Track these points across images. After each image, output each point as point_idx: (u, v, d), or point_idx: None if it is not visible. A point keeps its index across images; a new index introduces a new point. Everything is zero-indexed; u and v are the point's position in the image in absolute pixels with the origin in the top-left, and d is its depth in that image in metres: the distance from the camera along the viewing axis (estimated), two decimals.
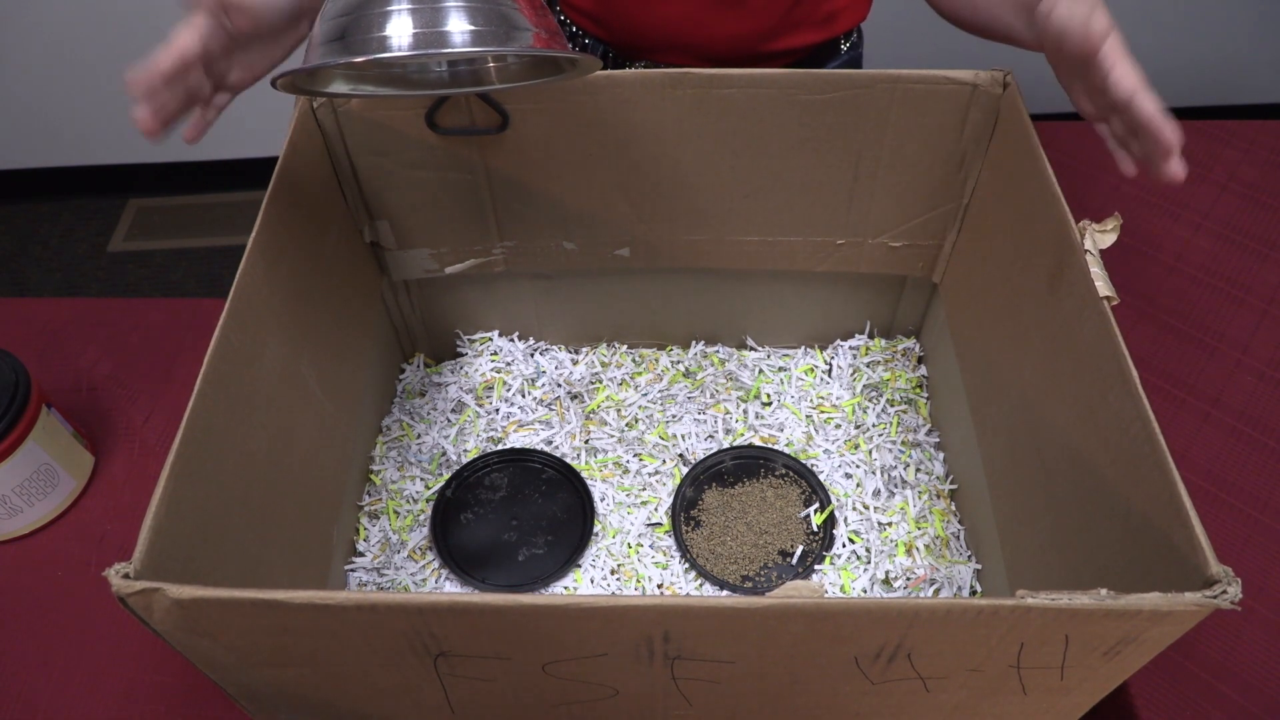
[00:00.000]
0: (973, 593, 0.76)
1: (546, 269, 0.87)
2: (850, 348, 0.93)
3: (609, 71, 0.71)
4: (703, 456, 0.85)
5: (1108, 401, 0.53)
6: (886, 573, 0.77)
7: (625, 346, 0.95)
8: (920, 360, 0.92)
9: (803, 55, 0.89)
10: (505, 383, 0.91)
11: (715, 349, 0.95)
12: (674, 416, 0.88)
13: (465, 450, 0.86)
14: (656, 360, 0.94)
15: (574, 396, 0.91)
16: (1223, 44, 1.94)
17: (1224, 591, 0.41)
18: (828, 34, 0.88)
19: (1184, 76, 2.00)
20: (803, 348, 0.94)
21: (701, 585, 0.78)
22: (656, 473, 0.85)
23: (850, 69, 0.92)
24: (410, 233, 0.83)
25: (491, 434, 0.88)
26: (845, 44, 0.91)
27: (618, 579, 0.78)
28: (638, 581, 0.78)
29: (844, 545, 0.79)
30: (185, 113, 0.57)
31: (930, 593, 0.76)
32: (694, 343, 0.95)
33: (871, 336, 0.94)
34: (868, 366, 0.91)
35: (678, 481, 0.83)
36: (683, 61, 0.87)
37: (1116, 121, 0.61)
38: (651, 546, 0.80)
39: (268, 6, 0.58)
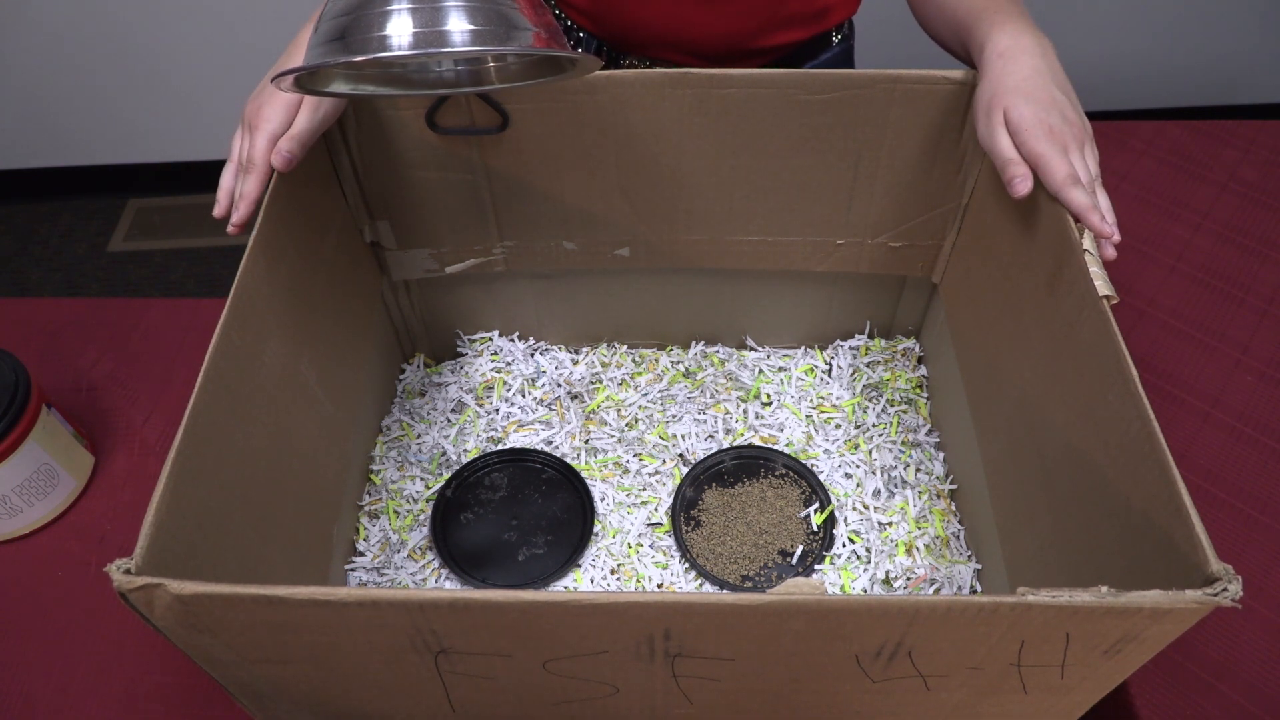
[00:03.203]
0: (973, 592, 0.76)
1: (546, 269, 0.87)
2: (850, 348, 0.93)
3: (609, 71, 0.71)
4: (703, 456, 0.85)
5: (1108, 401, 0.53)
6: (886, 573, 0.77)
7: (625, 346, 0.95)
8: (920, 360, 0.92)
9: (794, 49, 0.90)
10: (505, 383, 0.91)
11: (715, 349, 0.95)
12: (674, 416, 0.88)
13: (465, 450, 0.86)
14: (656, 360, 0.94)
15: (574, 396, 0.91)
16: (1223, 44, 1.94)
17: (1225, 589, 0.41)
18: (819, 29, 0.88)
19: (1184, 76, 2.00)
20: (803, 348, 0.94)
21: (701, 585, 0.78)
22: (656, 473, 0.85)
23: (842, 61, 0.92)
24: (410, 233, 0.83)
25: (491, 434, 0.88)
26: (836, 36, 0.92)
27: (618, 579, 0.78)
28: (638, 581, 0.78)
29: (844, 545, 0.79)
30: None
31: (930, 592, 0.76)
32: (694, 343, 0.95)
33: (871, 336, 0.94)
34: (868, 366, 0.91)
35: (678, 481, 0.83)
36: (674, 58, 0.87)
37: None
38: (651, 546, 0.80)
39: (314, 132, 0.65)
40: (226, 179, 0.64)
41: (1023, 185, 0.60)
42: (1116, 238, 0.58)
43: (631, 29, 0.86)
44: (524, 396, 0.91)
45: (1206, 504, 0.77)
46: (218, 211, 0.64)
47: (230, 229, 0.63)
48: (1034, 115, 0.61)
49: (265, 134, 0.63)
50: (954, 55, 0.75)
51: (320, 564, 0.72)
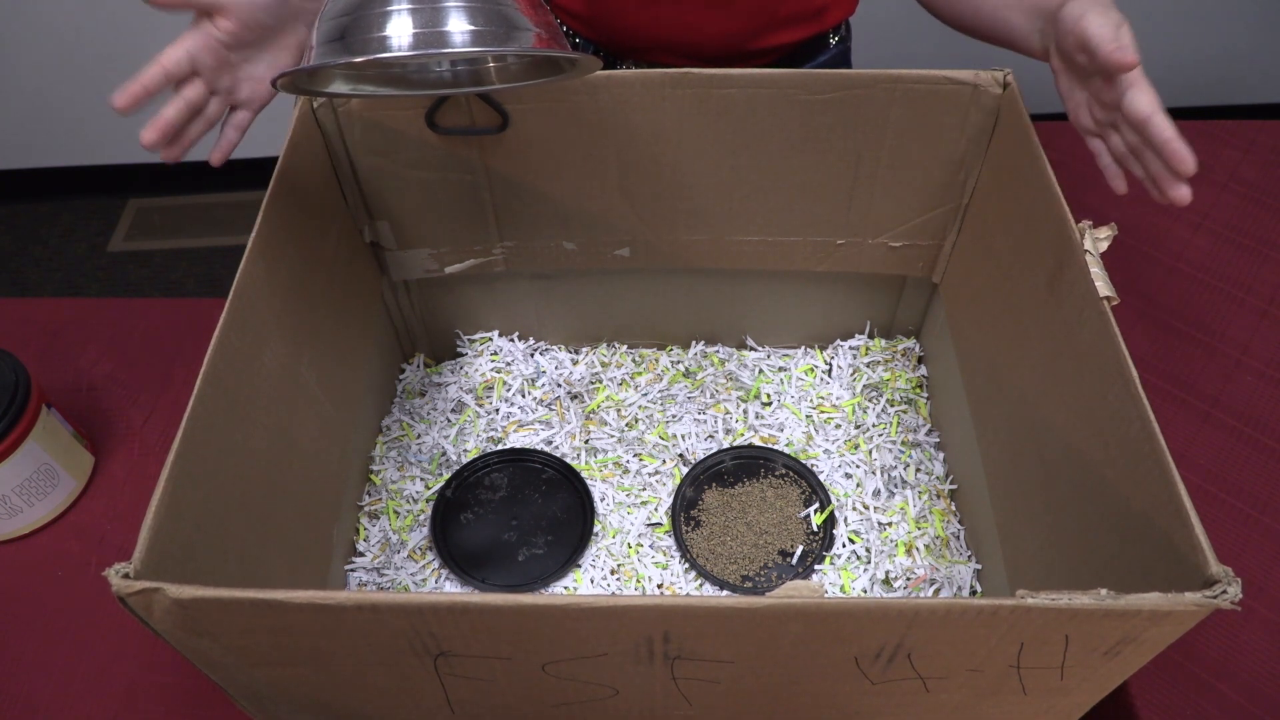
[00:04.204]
0: (973, 593, 0.76)
1: (546, 269, 0.87)
2: (850, 348, 0.93)
3: (609, 71, 0.71)
4: (703, 456, 0.85)
5: (1108, 401, 0.53)
6: (886, 573, 0.77)
7: (625, 346, 0.95)
8: (920, 360, 0.92)
9: (792, 50, 0.89)
10: (505, 383, 0.91)
11: (715, 349, 0.95)
12: (674, 416, 0.88)
13: (465, 450, 0.86)
14: (656, 360, 0.94)
15: (574, 396, 0.91)
16: (1223, 44, 1.94)
17: (1224, 591, 0.41)
18: (817, 29, 0.88)
19: (1184, 76, 2.00)
20: (803, 348, 0.94)
21: (701, 585, 0.78)
22: (656, 473, 0.85)
23: (839, 64, 0.92)
24: (410, 233, 0.83)
25: (491, 434, 0.88)
26: (834, 38, 0.92)
27: (618, 579, 0.78)
28: (638, 581, 0.78)
29: (844, 545, 0.79)
30: (194, 129, 0.59)
31: (930, 593, 0.76)
32: (694, 343, 0.95)
33: (871, 336, 0.94)
34: (868, 366, 0.91)
35: (678, 481, 0.83)
36: (671, 61, 0.87)
37: (1118, 139, 0.62)
38: (651, 546, 0.80)
39: (251, 4, 0.59)
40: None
41: (1128, 54, 0.58)
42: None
43: (628, 34, 0.85)
44: (524, 396, 0.91)
45: (1206, 504, 0.77)
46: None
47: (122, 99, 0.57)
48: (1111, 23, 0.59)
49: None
50: (1002, 41, 0.73)
51: (320, 565, 0.72)
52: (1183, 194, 0.58)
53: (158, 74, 0.57)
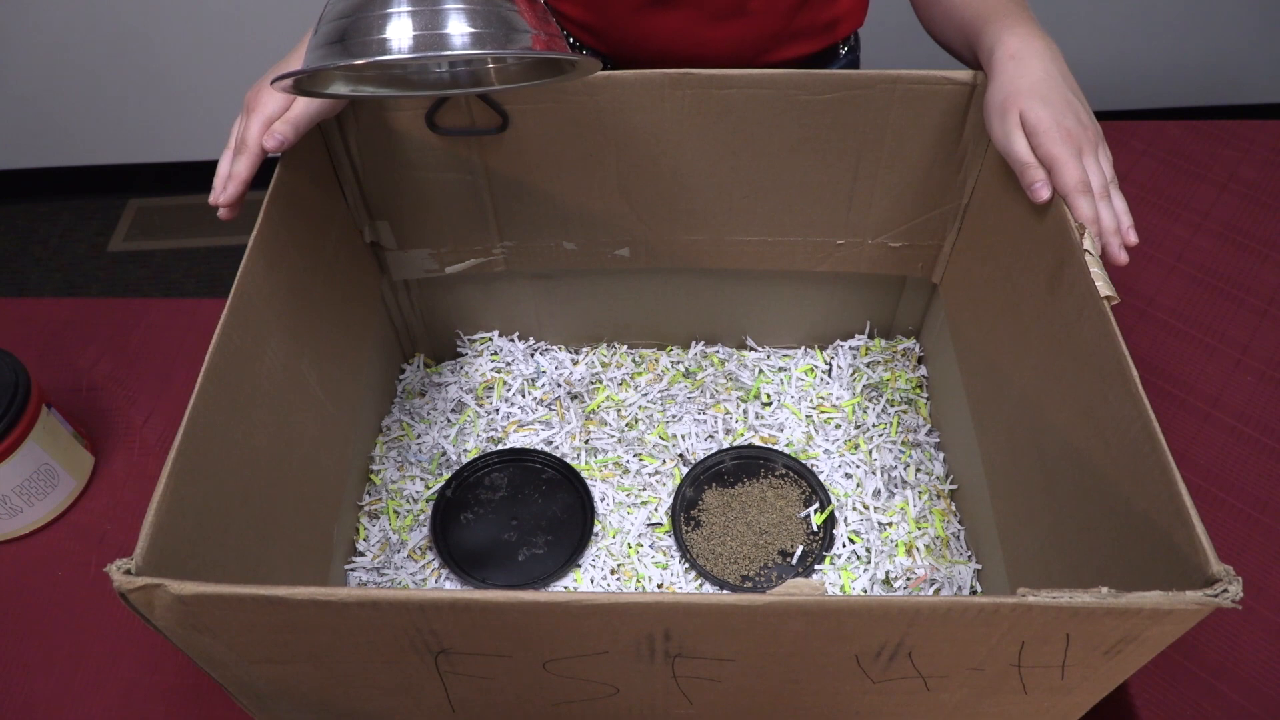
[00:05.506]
0: (973, 592, 0.76)
1: (546, 269, 0.87)
2: (850, 348, 0.93)
3: (609, 72, 0.71)
4: (703, 456, 0.85)
5: (1108, 401, 0.53)
6: (886, 573, 0.77)
7: (625, 346, 0.95)
8: (920, 360, 0.92)
9: (801, 63, 0.89)
10: (505, 383, 0.91)
11: (715, 349, 0.95)
12: (674, 416, 0.88)
13: (465, 450, 0.86)
14: (656, 360, 0.94)
15: (574, 396, 0.91)
16: (1223, 44, 1.94)
17: (1225, 590, 0.41)
18: (827, 42, 0.88)
19: (1184, 76, 2.00)
20: (803, 348, 0.94)
21: (701, 585, 0.78)
22: (656, 473, 0.85)
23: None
24: (410, 233, 0.83)
25: (491, 434, 0.88)
26: (844, 49, 0.91)
27: (618, 579, 0.78)
28: (638, 581, 0.78)
29: (844, 545, 0.79)
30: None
31: (930, 593, 0.76)
32: (694, 343, 0.95)
33: (871, 336, 0.94)
34: (868, 366, 0.91)
35: (678, 481, 0.83)
36: None
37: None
38: (651, 546, 0.80)
39: (310, 117, 0.65)
40: (222, 164, 0.64)
41: (1044, 190, 0.60)
42: (1131, 239, 0.58)
43: (635, 45, 0.85)
44: (524, 396, 0.91)
45: (1206, 504, 0.77)
46: (211, 198, 0.64)
47: (221, 213, 0.63)
48: (1051, 117, 0.60)
49: (260, 117, 0.63)
50: (958, 58, 0.75)
51: (320, 564, 0.72)
52: (1116, 255, 0.59)
53: (244, 188, 0.63)
